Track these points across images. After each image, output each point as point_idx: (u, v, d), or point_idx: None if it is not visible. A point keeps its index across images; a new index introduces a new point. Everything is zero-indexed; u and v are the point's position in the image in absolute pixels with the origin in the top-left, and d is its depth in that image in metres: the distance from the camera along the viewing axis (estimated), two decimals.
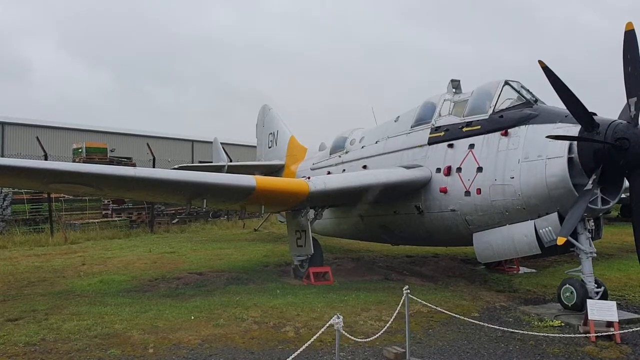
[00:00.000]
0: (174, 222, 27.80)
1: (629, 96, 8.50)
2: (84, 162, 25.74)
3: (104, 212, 27.10)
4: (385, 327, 6.90)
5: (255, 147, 25.52)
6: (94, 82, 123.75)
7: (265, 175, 20.16)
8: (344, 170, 15.09)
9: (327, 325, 5.62)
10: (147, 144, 28.18)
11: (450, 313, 7.73)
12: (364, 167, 14.05)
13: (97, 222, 24.76)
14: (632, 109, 8.43)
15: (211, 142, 27.53)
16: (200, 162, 37.43)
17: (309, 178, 12.17)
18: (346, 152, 15.65)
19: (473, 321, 7.53)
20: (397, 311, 7.01)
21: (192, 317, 8.71)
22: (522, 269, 13.64)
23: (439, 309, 7.88)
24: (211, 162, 25.86)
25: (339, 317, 5.52)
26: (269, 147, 22.93)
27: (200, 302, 9.92)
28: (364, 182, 11.84)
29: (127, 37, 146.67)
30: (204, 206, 11.51)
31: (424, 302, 7.85)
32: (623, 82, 8.55)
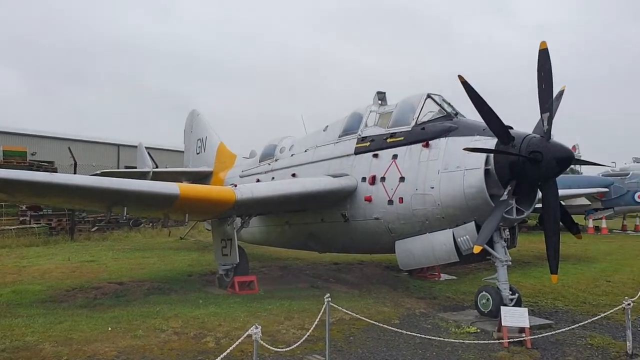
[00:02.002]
0: (93, 229, 26.72)
1: (542, 112, 8.89)
2: (0, 166, 24.34)
3: (21, 218, 25.66)
4: (306, 336, 6.91)
5: (183, 152, 25.00)
6: (9, 83, 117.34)
7: (193, 182, 19.87)
8: (273, 178, 15.04)
9: (246, 335, 5.57)
10: (69, 148, 27.02)
11: (370, 321, 7.84)
12: (293, 175, 14.05)
13: (14, 228, 23.46)
14: (545, 123, 8.82)
15: None
16: (127, 167, 36.28)
17: (235, 186, 12.05)
18: (276, 160, 15.61)
19: (393, 328, 7.66)
20: (318, 319, 7.03)
21: (110, 329, 8.40)
22: (443, 276, 14.06)
23: (360, 316, 7.97)
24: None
25: (257, 327, 5.48)
26: (197, 154, 22.54)
27: (119, 312, 9.59)
28: (291, 191, 11.86)
29: (45, 39, 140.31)
30: (125, 214, 11.12)
31: (345, 311, 7.91)
32: (537, 97, 8.97)
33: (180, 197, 10.46)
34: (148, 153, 25.13)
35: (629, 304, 7.38)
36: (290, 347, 6.71)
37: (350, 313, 7.90)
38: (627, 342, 7.40)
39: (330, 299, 6.98)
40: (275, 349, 6.34)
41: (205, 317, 9.22)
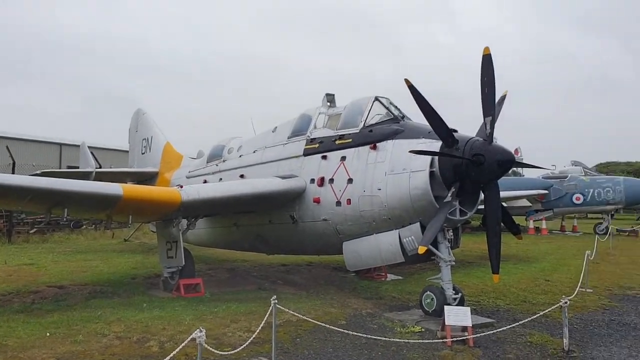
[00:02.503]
0: (32, 231, 25.70)
1: (485, 115, 9.11)
2: None
3: None
4: (252, 338, 6.86)
5: (128, 152, 24.38)
6: None
7: (138, 183, 19.42)
8: (221, 179, 14.87)
9: (190, 338, 5.46)
10: (7, 147, 25.92)
11: (317, 322, 7.85)
12: (242, 176, 13.92)
13: None
14: (488, 127, 9.05)
15: None
16: (69, 167, 35.14)
17: (181, 187, 11.85)
18: (224, 161, 15.44)
19: (339, 329, 7.68)
20: (264, 321, 7.00)
21: (48, 334, 8.10)
22: (390, 276, 14.25)
23: (307, 317, 7.97)
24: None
25: (201, 331, 5.40)
26: (143, 153, 22.02)
27: (58, 317, 9.27)
28: (239, 192, 11.75)
29: None
30: (65, 215, 10.74)
31: (292, 312, 7.89)
32: (480, 101, 9.19)
33: (123, 198, 10.20)
34: (91, 153, 24.43)
35: (566, 303, 7.65)
36: (236, 350, 6.65)
37: (297, 314, 7.89)
38: (564, 339, 7.68)
39: (276, 301, 6.96)
40: (221, 352, 6.25)
41: (149, 321, 9.01)
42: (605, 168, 66.15)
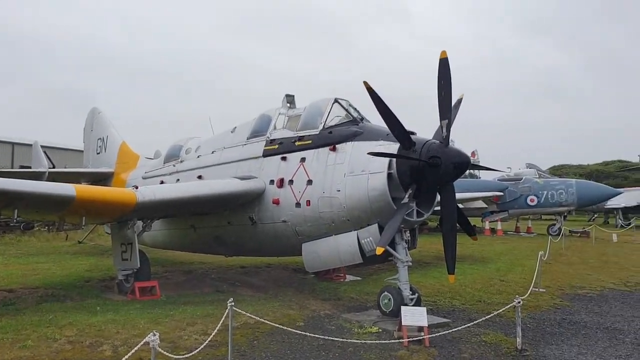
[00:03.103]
0: None
1: (441, 118, 9.24)
2: None
3: None
4: (207, 341, 6.78)
5: (83, 152, 23.77)
6: None
7: (92, 183, 18.95)
8: (178, 180, 14.65)
9: (143, 342, 5.36)
10: None
11: (274, 324, 7.81)
12: (199, 177, 13.75)
13: None
14: (444, 130, 9.20)
15: None
16: (22, 167, 33.97)
17: (137, 187, 11.60)
18: (181, 162, 15.22)
19: (297, 331, 7.67)
20: (220, 324, 6.91)
21: None
22: (349, 277, 14.31)
23: (264, 320, 7.92)
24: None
25: (155, 334, 5.30)
26: (98, 153, 21.50)
27: (7, 322, 8.94)
28: (197, 193, 11.59)
29: None
30: (15, 216, 10.40)
31: (249, 315, 7.83)
32: (437, 105, 9.32)
33: (76, 199, 9.92)
34: (44, 152, 23.75)
35: (519, 302, 7.83)
36: (192, 353, 6.55)
37: (255, 317, 7.84)
38: (517, 338, 7.85)
39: (233, 304, 6.89)
40: (175, 356, 6.13)
41: (103, 325, 8.79)
42: (559, 171, 68.26)
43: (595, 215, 49.53)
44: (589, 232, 29.24)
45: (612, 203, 37.80)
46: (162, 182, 15.13)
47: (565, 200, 29.95)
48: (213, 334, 6.94)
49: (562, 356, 7.59)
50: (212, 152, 13.94)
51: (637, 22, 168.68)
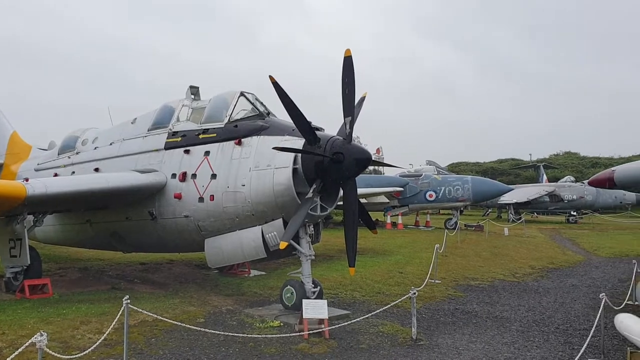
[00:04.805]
0: None
1: (345, 115, 9.41)
2: None
3: None
4: (101, 340, 6.50)
5: None
6: None
7: None
8: (74, 172, 13.92)
9: (29, 343, 5.05)
10: None
11: (174, 321, 7.63)
12: (96, 169, 13.14)
13: None
14: (347, 127, 9.39)
15: None
16: None
17: (27, 180, 10.89)
18: (77, 153, 14.46)
19: (197, 327, 7.54)
20: (115, 322, 6.67)
21: None
22: (253, 272, 14.26)
23: (162, 317, 7.73)
24: None
25: (42, 334, 5.01)
26: None
27: None
28: (92, 187, 11.04)
29: None
30: None
31: (147, 312, 7.61)
32: (341, 102, 9.48)
33: None
34: None
35: (414, 293, 8.18)
36: (84, 352, 6.28)
37: (153, 314, 7.63)
38: (412, 328, 8.19)
39: (129, 301, 6.66)
40: (66, 356, 5.83)
41: None
42: (457, 168, 71.81)
43: (490, 210, 52.44)
44: (483, 226, 30.86)
45: (504, 199, 40.14)
46: (55, 175, 14.31)
47: (461, 195, 31.48)
48: (107, 332, 6.68)
49: (454, 344, 8.01)
50: (111, 144, 13.36)
51: (520, 26, 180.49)
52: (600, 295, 7.53)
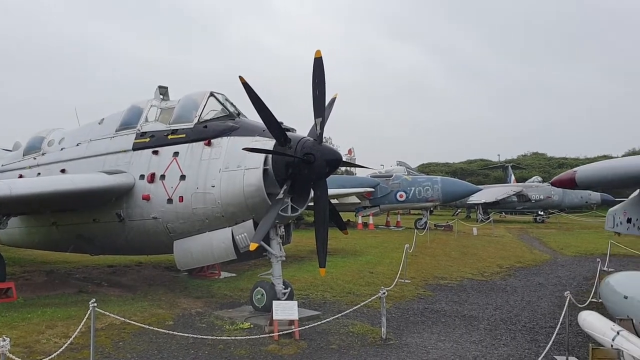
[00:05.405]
0: None
1: (316, 116, 9.41)
2: None
3: None
4: (67, 344, 6.39)
5: None
6: None
7: None
8: (39, 173, 13.62)
9: None
10: None
11: (142, 324, 7.55)
12: (63, 171, 12.88)
13: None
14: (318, 128, 9.40)
15: None
16: None
17: None
18: (43, 154, 14.16)
19: (165, 330, 7.46)
20: (81, 325, 6.56)
21: None
22: (223, 274, 14.17)
23: (130, 320, 7.62)
24: None
25: (5, 339, 4.90)
26: None
27: None
28: (58, 188, 10.82)
29: None
30: None
31: (115, 315, 7.51)
32: (312, 103, 9.49)
33: None
34: None
35: (384, 293, 8.24)
36: (50, 357, 6.13)
37: (120, 318, 7.53)
38: (382, 328, 8.26)
39: (96, 304, 6.55)
40: None
41: None
42: (427, 168, 72.58)
43: (459, 210, 53.15)
44: (452, 226, 31.23)
45: (473, 199, 40.71)
46: (21, 176, 13.98)
47: (431, 196, 31.81)
48: (74, 336, 6.55)
49: (422, 344, 8.10)
50: (78, 145, 13.12)
51: (489, 28, 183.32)
52: (565, 293, 7.69)
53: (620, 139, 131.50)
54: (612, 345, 6.02)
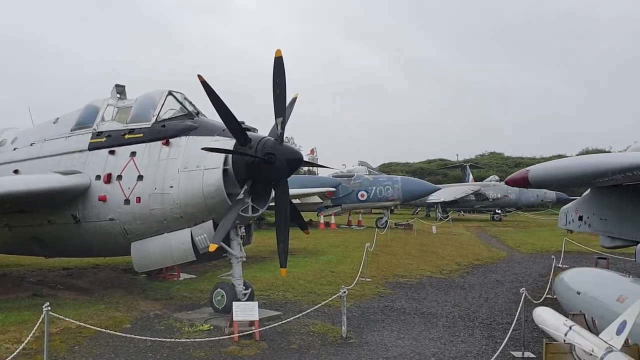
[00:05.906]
0: None
1: (276, 116, 9.40)
2: None
3: None
4: (19, 349, 6.21)
5: None
6: None
7: None
8: None
9: None
10: None
11: (98, 328, 7.40)
12: (16, 171, 12.48)
13: None
14: (279, 127, 9.38)
15: None
16: None
17: None
18: None
19: (123, 334, 7.34)
20: (35, 330, 6.40)
21: None
22: (183, 276, 14.00)
23: (86, 324, 7.46)
24: None
25: None
26: None
27: None
28: (10, 189, 10.47)
29: None
30: None
31: (70, 319, 7.34)
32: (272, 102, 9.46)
33: None
34: None
35: (345, 292, 8.29)
36: None
37: (76, 321, 7.35)
38: (342, 327, 8.31)
39: (50, 308, 6.39)
40: None
41: None
42: (387, 168, 73.24)
43: (419, 209, 53.82)
44: (412, 224, 31.65)
45: (432, 198, 41.40)
46: None
47: (391, 195, 32.17)
48: (27, 341, 6.38)
49: (382, 341, 8.18)
50: (31, 145, 12.76)
51: (447, 30, 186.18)
52: (521, 290, 7.90)
53: (576, 140, 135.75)
54: (564, 340, 6.20)
